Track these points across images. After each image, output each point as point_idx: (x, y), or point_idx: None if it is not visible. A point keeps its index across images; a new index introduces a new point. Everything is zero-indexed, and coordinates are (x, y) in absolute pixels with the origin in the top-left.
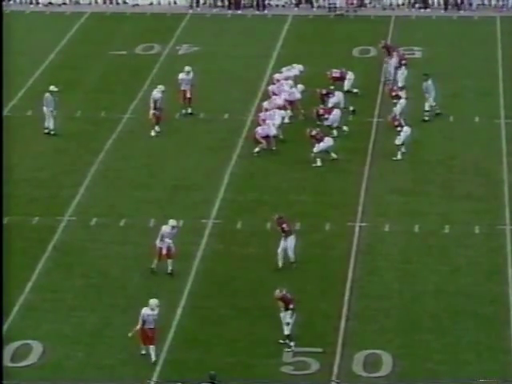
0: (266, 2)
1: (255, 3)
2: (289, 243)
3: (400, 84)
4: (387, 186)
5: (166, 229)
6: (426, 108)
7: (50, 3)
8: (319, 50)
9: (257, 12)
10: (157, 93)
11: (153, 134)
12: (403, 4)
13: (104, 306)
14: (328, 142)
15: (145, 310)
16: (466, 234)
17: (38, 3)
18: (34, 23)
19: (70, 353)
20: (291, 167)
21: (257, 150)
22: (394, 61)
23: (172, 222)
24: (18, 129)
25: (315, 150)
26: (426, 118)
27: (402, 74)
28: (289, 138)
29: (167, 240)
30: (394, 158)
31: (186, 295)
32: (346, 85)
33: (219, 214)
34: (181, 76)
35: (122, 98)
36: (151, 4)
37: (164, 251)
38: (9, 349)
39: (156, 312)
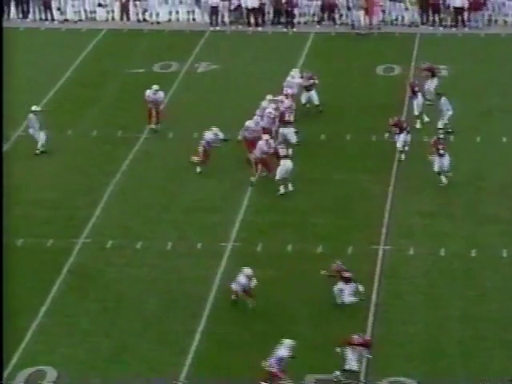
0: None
1: (283, 20)
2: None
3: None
4: (412, 208)
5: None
6: (439, 126)
7: (66, 20)
8: (342, 68)
9: (277, 29)
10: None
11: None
12: (428, 21)
13: (119, 331)
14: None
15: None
16: (492, 258)
17: (53, 20)
18: (49, 40)
19: (84, 378)
20: (311, 187)
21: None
22: (435, 82)
23: (247, 271)
24: (30, 148)
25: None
26: (441, 136)
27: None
28: (309, 157)
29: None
30: (441, 184)
31: (204, 320)
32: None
33: (238, 236)
34: (147, 93)
35: (138, 117)
36: (169, 21)
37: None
38: (22, 375)
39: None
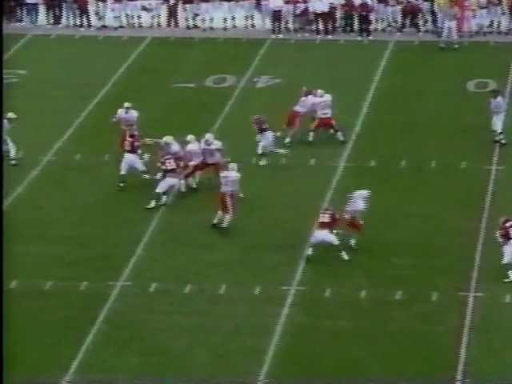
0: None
1: (357, 26)
2: None
3: None
4: None
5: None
6: (499, 130)
7: (104, 26)
8: (426, 83)
9: (350, 37)
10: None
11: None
12: None
13: None
14: None
15: None
16: None
17: (89, 26)
18: (84, 50)
19: None
20: (389, 222)
21: None
22: None
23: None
24: (62, 175)
25: None
26: (503, 141)
27: None
28: (387, 186)
29: None
30: None
31: (262, 376)
32: None
33: (303, 279)
34: (119, 112)
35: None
36: (225, 29)
37: None
38: None
39: None
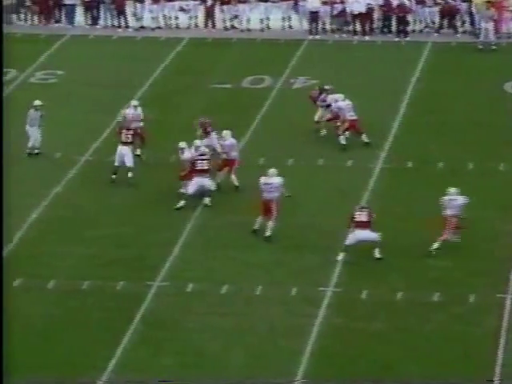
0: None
1: (394, 27)
2: None
3: None
4: None
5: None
6: None
7: (142, 27)
8: (464, 84)
9: (387, 38)
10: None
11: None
12: None
13: None
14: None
15: None
16: None
17: (127, 27)
18: (122, 50)
19: None
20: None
21: None
22: None
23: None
24: (97, 175)
25: None
26: None
27: None
28: (424, 188)
29: None
30: None
31: (298, 377)
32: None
33: (339, 280)
34: (127, 111)
35: None
36: (262, 30)
37: None
38: None
39: None
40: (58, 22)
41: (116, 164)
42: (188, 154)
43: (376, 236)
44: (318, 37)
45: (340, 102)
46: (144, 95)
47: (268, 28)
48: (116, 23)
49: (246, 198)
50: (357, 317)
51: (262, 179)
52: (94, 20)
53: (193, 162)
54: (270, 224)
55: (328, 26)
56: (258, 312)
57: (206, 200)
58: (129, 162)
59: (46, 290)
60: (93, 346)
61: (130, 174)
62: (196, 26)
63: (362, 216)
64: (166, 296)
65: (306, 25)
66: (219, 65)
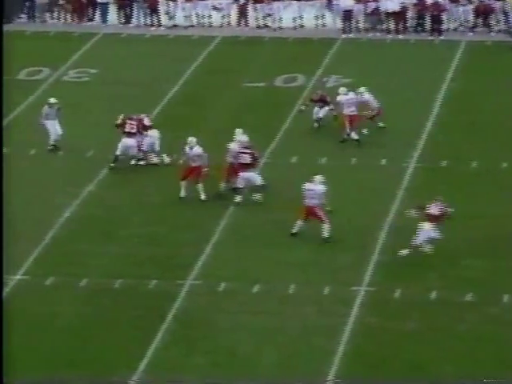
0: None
1: (428, 26)
2: None
3: None
4: None
5: None
6: None
7: (175, 26)
8: (498, 83)
9: (421, 37)
10: None
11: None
12: None
13: None
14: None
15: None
16: None
17: (160, 25)
18: (155, 49)
19: None
20: (461, 224)
21: None
22: None
23: None
24: (130, 175)
25: None
26: None
27: None
28: (458, 188)
29: None
30: None
31: (331, 376)
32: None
33: (373, 279)
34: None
35: (257, 138)
36: (295, 28)
37: None
38: None
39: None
40: (90, 20)
41: (118, 153)
42: (235, 147)
43: (438, 234)
44: (351, 35)
45: (342, 95)
46: (176, 94)
47: (301, 26)
48: (149, 22)
49: (279, 196)
50: (390, 316)
51: (306, 185)
52: (127, 18)
53: (235, 157)
54: (326, 226)
55: (361, 25)
56: (290, 311)
57: (257, 196)
58: (132, 151)
59: (78, 289)
60: (125, 345)
61: (132, 162)
62: (229, 24)
63: (435, 210)
64: (198, 295)
65: (339, 23)
66: (252, 63)
